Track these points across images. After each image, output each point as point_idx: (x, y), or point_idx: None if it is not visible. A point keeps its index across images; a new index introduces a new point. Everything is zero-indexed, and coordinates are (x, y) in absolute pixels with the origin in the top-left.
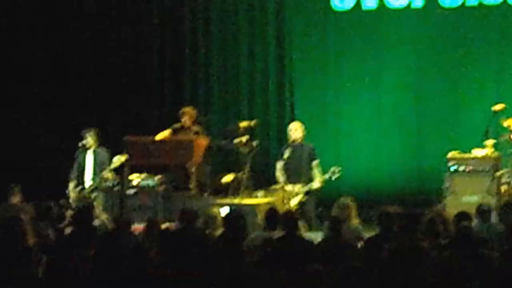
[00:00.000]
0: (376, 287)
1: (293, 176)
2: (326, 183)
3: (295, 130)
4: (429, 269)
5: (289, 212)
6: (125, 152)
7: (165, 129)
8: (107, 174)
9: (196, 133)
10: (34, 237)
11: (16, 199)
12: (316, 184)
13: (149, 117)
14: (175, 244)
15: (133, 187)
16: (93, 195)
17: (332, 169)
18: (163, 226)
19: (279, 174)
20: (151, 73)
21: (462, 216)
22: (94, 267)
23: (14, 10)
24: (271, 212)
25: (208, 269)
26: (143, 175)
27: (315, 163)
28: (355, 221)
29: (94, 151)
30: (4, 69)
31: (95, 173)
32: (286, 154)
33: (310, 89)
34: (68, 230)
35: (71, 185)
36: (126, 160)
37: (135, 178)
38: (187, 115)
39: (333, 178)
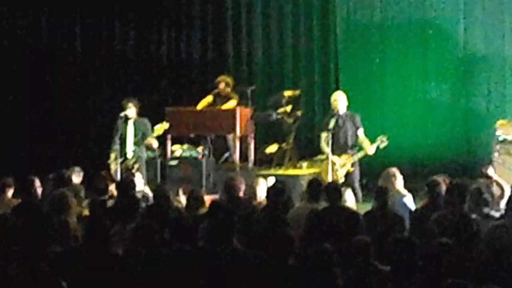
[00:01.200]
0: (424, 258)
1: (339, 146)
2: (375, 152)
3: (339, 100)
4: (477, 240)
5: (333, 183)
6: (167, 123)
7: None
8: (151, 141)
9: (230, 99)
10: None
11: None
12: (367, 151)
13: (191, 89)
14: (221, 216)
15: (175, 158)
16: (136, 165)
17: (380, 137)
18: (207, 198)
19: (324, 145)
20: (193, 43)
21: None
22: (135, 240)
23: None
24: (315, 183)
25: (251, 241)
26: (185, 146)
27: (360, 132)
28: (402, 191)
29: (135, 121)
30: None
31: (136, 144)
32: (331, 124)
33: (354, 57)
34: (110, 203)
35: (112, 156)
36: (167, 131)
37: (178, 149)
38: (223, 82)
39: (381, 147)
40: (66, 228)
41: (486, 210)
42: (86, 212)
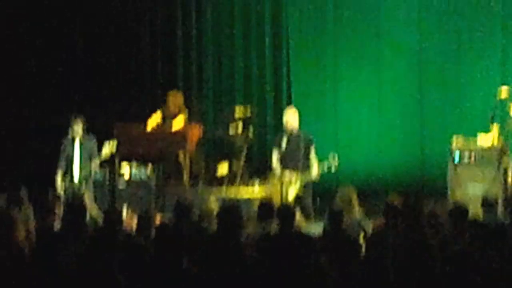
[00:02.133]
0: (380, 281)
1: (290, 164)
2: (325, 171)
3: (291, 117)
4: (434, 263)
5: (285, 205)
6: (115, 140)
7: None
8: (98, 162)
9: (186, 118)
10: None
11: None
12: (314, 172)
13: (140, 104)
14: (170, 239)
15: (125, 180)
16: (83, 187)
17: (330, 156)
18: (157, 219)
19: (276, 163)
20: (142, 57)
21: (458, 210)
22: (85, 264)
23: None
24: (266, 205)
25: (203, 265)
26: (134, 165)
27: (311, 150)
28: (357, 211)
29: (81, 140)
30: None
31: (82, 163)
32: (283, 142)
33: (307, 72)
34: (57, 224)
35: (59, 177)
36: (116, 149)
37: (126, 166)
38: (173, 97)
39: (331, 166)
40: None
41: (441, 234)
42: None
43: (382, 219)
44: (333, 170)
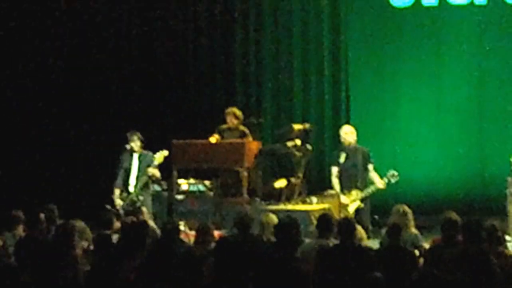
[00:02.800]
0: None
1: (348, 181)
2: (386, 187)
3: (349, 134)
4: (493, 277)
5: (346, 219)
6: (174, 157)
7: (213, 131)
8: (153, 171)
9: (243, 133)
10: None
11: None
12: (378, 185)
13: (199, 121)
14: (231, 252)
15: (182, 192)
16: (141, 199)
17: (391, 172)
18: (215, 233)
19: (335, 180)
20: (201, 75)
21: None
22: (143, 277)
23: None
24: (325, 219)
25: (262, 278)
26: (192, 180)
27: (371, 167)
28: (413, 229)
29: (140, 155)
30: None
31: (139, 176)
32: (341, 159)
33: (366, 90)
34: (115, 238)
35: (117, 191)
36: (171, 161)
37: (184, 183)
38: (231, 114)
39: (392, 181)
40: (72, 260)
41: (500, 248)
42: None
43: (440, 235)
44: (393, 184)
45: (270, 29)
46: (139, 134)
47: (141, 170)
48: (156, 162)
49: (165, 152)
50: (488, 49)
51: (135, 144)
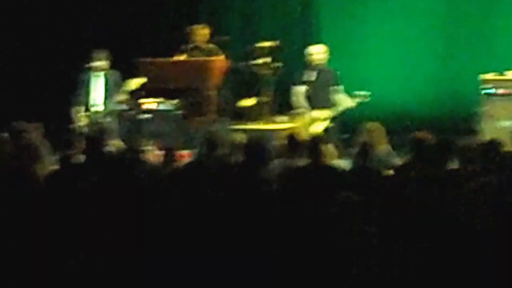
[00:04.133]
0: (410, 215)
1: (317, 101)
2: (355, 107)
3: (318, 53)
4: (463, 198)
5: (314, 138)
6: (138, 75)
7: (178, 51)
8: (123, 96)
9: (211, 52)
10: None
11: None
12: (348, 104)
13: (162, 39)
14: (199, 172)
15: (148, 111)
16: (106, 120)
17: (361, 92)
18: (183, 153)
19: (301, 100)
20: None
21: (494, 143)
22: (105, 195)
23: None
24: (294, 138)
25: (226, 199)
26: (159, 100)
27: (339, 88)
28: (385, 147)
29: (106, 74)
30: None
31: (107, 97)
32: (308, 78)
33: (336, 9)
34: (78, 158)
35: (80, 109)
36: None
37: (151, 103)
38: (197, 33)
39: (363, 100)
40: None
41: (472, 167)
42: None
43: (411, 155)
44: (363, 102)
45: None
46: (107, 53)
47: (109, 90)
48: (128, 88)
49: (141, 81)
50: None
51: (102, 63)
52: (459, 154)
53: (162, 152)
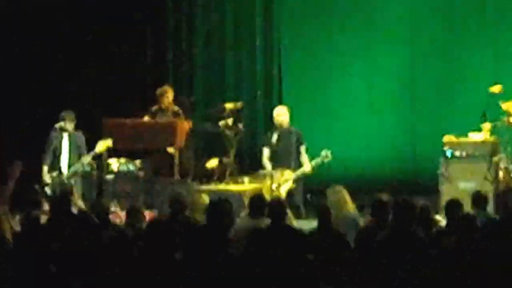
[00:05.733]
0: (370, 277)
1: (280, 162)
2: (318, 167)
3: (282, 115)
4: (424, 258)
5: (277, 199)
6: (104, 135)
7: (144, 112)
8: (90, 158)
9: (176, 113)
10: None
11: None
12: (307, 167)
13: (129, 100)
14: (163, 233)
15: (112, 172)
16: (71, 181)
17: (323, 152)
18: (146, 214)
19: (266, 161)
20: (132, 52)
21: (454, 203)
22: (71, 257)
23: None
24: (257, 199)
25: (193, 258)
26: (123, 160)
27: (302, 148)
28: (351, 208)
29: (70, 135)
30: None
31: (71, 158)
32: (273, 140)
33: (298, 70)
34: (44, 218)
35: (46, 169)
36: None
37: (114, 163)
38: (164, 94)
39: (325, 162)
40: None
41: (433, 229)
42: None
43: (372, 216)
44: (325, 164)
45: (202, 6)
46: (73, 114)
47: (73, 151)
48: (97, 151)
49: (108, 143)
50: (420, 26)
51: (69, 124)
52: (418, 215)
53: (126, 213)
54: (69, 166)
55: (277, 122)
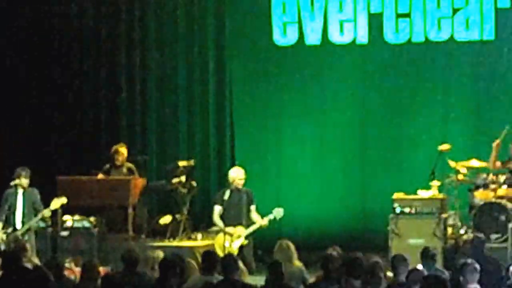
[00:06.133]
0: None
1: (232, 220)
2: (270, 223)
3: (240, 177)
4: None
5: (229, 255)
6: (59, 193)
7: (98, 169)
8: (45, 214)
9: (130, 170)
10: None
11: None
12: (263, 221)
13: (83, 159)
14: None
15: (67, 228)
16: (26, 236)
17: (275, 209)
18: (101, 269)
19: (218, 218)
20: (85, 111)
21: (399, 259)
22: None
23: None
24: (209, 255)
25: None
26: (77, 217)
27: (253, 207)
28: (297, 263)
29: (25, 191)
30: None
31: (25, 214)
32: (225, 198)
33: (251, 128)
34: None
35: (0, 225)
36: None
37: (69, 220)
38: (119, 152)
39: (277, 218)
40: None
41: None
42: None
43: (321, 272)
44: (277, 221)
45: (155, 66)
46: (28, 171)
47: (27, 207)
48: (52, 207)
49: (64, 200)
50: (370, 88)
51: (23, 180)
52: (364, 272)
53: (81, 268)
54: (23, 223)
55: (233, 183)
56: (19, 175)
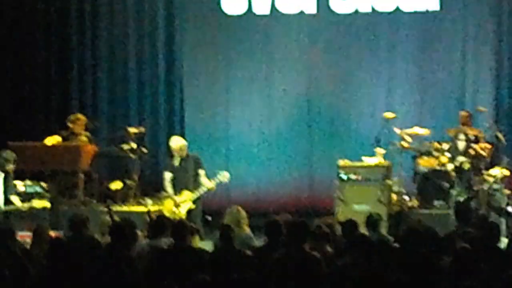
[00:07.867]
0: None
1: (181, 186)
2: (217, 186)
3: (182, 146)
4: (319, 279)
5: (180, 221)
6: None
7: (54, 135)
8: None
9: (88, 139)
10: None
11: None
12: (210, 184)
13: (35, 125)
14: (64, 253)
15: (18, 194)
16: None
17: (221, 173)
18: (51, 234)
19: (168, 184)
20: (36, 80)
21: (349, 224)
22: None
23: None
24: (158, 220)
25: (96, 278)
26: (29, 182)
27: (202, 172)
28: (246, 229)
29: None
30: None
31: None
32: (175, 164)
33: (200, 95)
34: None
35: None
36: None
37: (21, 185)
38: (78, 122)
39: (222, 182)
40: None
41: (328, 248)
42: None
43: (266, 237)
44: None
45: (106, 32)
46: None
47: None
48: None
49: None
50: (317, 57)
51: None
52: (313, 235)
53: (32, 233)
54: None
55: (174, 152)
56: None
